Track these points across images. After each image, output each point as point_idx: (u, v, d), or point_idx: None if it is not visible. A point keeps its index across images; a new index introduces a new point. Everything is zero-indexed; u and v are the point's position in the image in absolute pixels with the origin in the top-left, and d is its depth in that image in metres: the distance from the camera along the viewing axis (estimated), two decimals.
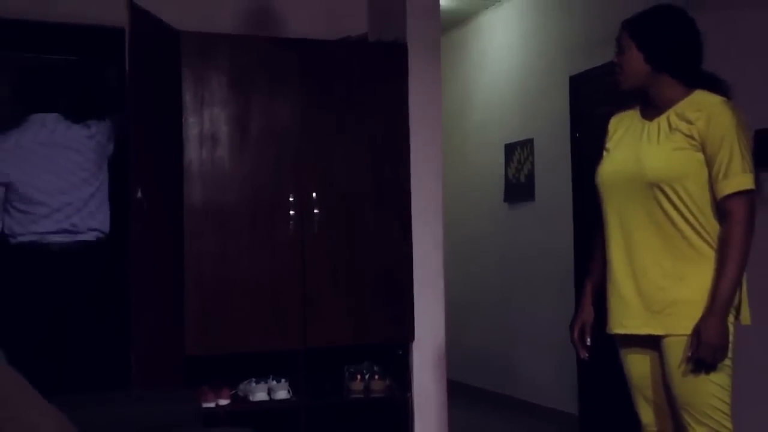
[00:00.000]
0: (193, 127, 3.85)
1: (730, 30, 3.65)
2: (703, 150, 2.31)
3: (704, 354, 2.24)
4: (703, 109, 2.32)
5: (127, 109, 3.41)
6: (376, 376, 4.11)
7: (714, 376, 2.27)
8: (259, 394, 3.90)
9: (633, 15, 2.47)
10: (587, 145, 4.71)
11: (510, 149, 5.72)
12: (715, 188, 2.30)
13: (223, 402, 3.84)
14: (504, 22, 5.84)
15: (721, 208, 2.30)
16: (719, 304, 2.25)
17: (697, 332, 2.25)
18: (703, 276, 2.30)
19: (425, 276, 4.21)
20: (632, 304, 2.37)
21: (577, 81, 4.96)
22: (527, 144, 5.52)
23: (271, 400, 3.91)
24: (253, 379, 3.95)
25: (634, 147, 2.42)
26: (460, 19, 6.22)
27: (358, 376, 4.09)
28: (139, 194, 3.36)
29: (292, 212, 3.94)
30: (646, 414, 2.47)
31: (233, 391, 3.94)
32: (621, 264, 2.40)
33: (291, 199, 3.95)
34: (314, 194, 3.98)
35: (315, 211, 3.98)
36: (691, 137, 2.31)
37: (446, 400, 4.25)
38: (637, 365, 2.45)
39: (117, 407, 2.30)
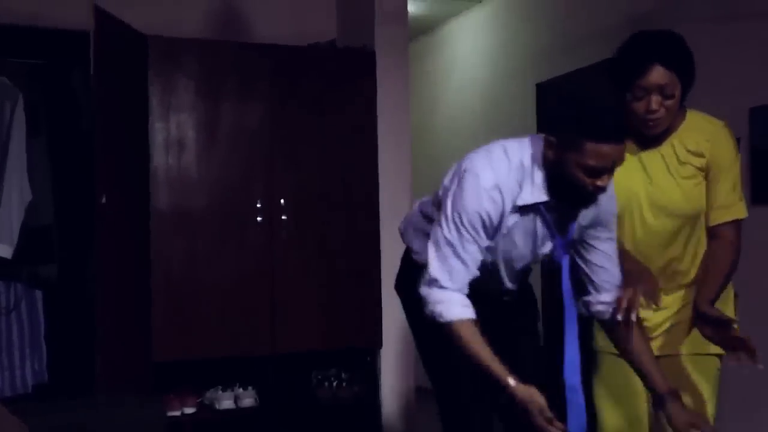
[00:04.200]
0: (159, 132, 3.81)
1: (721, 10, 3.68)
2: (706, 176, 2.25)
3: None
4: (710, 139, 2.23)
5: (93, 114, 3.37)
6: (344, 383, 4.10)
7: None
8: (226, 402, 3.87)
9: (658, 41, 2.14)
10: None
11: None
12: (711, 213, 2.26)
13: (189, 410, 3.81)
14: (471, 29, 5.87)
15: (713, 231, 2.27)
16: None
17: None
18: None
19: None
20: None
21: (544, 88, 5.00)
22: None
23: (238, 408, 3.88)
24: (220, 387, 3.92)
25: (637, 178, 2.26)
26: (428, 27, 6.23)
27: (326, 384, 4.07)
28: (104, 200, 3.33)
29: (259, 219, 3.92)
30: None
31: (199, 399, 3.91)
32: None
33: (259, 205, 3.93)
34: (282, 201, 3.97)
35: (283, 217, 3.96)
36: (701, 169, 2.25)
37: (414, 406, 4.25)
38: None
39: (78, 414, 2.26)
